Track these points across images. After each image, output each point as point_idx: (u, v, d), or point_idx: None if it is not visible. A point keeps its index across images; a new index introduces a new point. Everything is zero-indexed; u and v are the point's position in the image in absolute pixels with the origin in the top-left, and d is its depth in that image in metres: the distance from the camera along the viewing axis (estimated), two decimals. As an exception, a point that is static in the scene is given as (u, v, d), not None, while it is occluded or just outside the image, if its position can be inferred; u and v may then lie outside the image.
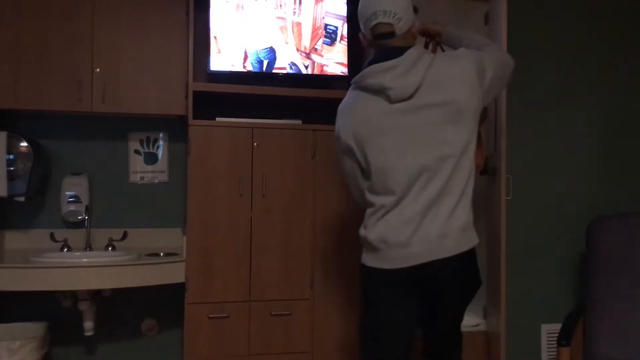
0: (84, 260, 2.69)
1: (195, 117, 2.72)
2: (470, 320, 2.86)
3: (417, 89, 1.81)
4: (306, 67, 2.88)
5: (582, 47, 3.38)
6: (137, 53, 2.79)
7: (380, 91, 1.84)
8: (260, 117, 2.82)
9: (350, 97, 1.99)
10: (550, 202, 3.33)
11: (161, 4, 2.81)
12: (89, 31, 2.73)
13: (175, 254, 2.76)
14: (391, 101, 1.83)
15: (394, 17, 1.84)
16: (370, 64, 1.89)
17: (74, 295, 2.74)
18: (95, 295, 2.78)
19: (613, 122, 3.42)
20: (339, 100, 2.89)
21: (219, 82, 2.78)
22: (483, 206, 2.94)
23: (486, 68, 1.87)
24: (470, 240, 1.87)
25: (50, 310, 2.88)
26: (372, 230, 1.89)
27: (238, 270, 2.69)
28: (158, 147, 3.08)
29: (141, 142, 3.07)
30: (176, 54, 2.81)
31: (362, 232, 1.95)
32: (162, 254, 2.79)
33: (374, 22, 1.87)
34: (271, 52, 2.85)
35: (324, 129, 2.79)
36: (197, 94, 2.72)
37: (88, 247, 2.90)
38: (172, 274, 2.64)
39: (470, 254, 1.89)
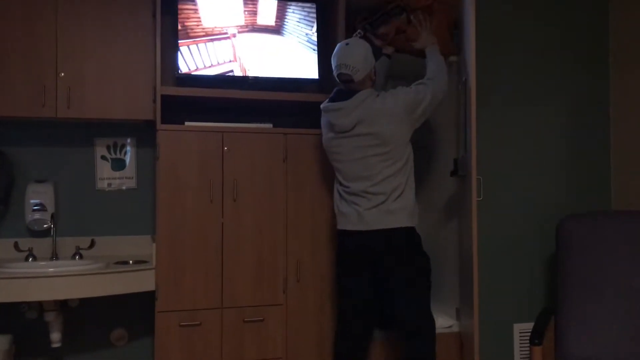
0: (50, 270, 2.61)
1: (163, 121, 2.67)
2: (443, 322, 2.86)
3: (355, 125, 2.48)
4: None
5: (547, 51, 3.44)
6: (103, 57, 2.73)
7: (331, 125, 2.54)
8: (230, 121, 2.79)
9: (323, 117, 2.64)
10: (520, 203, 3.38)
11: (127, 6, 2.75)
12: (52, 35, 2.67)
13: (144, 262, 2.70)
14: (335, 132, 2.54)
15: (352, 69, 2.48)
16: (330, 98, 2.58)
17: (39, 306, 2.67)
18: (62, 305, 2.70)
19: (578, 123, 3.49)
20: (310, 103, 2.90)
21: (187, 85, 2.75)
22: (454, 207, 2.95)
23: (419, 104, 2.50)
24: (393, 222, 2.48)
25: (14, 322, 2.80)
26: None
27: (209, 277, 2.65)
28: (125, 153, 3.03)
29: (108, 147, 3.00)
30: (143, 58, 2.76)
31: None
32: (131, 261, 2.73)
33: (337, 72, 2.52)
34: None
35: (295, 132, 2.77)
36: (165, 98, 2.67)
37: (54, 256, 2.82)
38: (141, 282, 2.58)
39: (400, 232, 2.49)
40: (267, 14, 2.87)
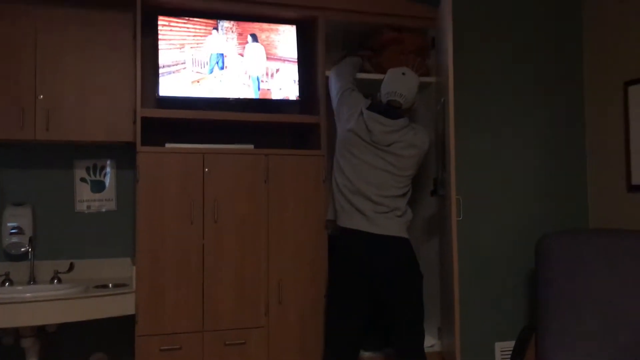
0: (27, 295, 2.56)
1: (144, 143, 2.66)
2: (425, 342, 2.86)
3: (391, 144, 2.62)
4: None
5: (524, 73, 3.51)
6: (83, 78, 2.72)
7: (368, 131, 2.63)
8: (211, 142, 2.79)
9: (356, 113, 2.68)
10: (499, 222, 3.41)
11: (107, 27, 2.75)
12: (31, 57, 2.65)
13: (124, 285, 2.67)
14: (370, 140, 2.63)
15: (404, 99, 2.66)
16: (374, 106, 2.67)
17: (16, 332, 2.61)
18: (40, 330, 2.65)
19: (555, 143, 3.55)
20: (291, 125, 2.92)
21: (168, 107, 2.74)
22: (434, 227, 2.98)
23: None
24: (401, 231, 2.64)
25: (-10, 349, 2.74)
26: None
27: (190, 299, 2.62)
28: (105, 175, 3.00)
29: (87, 169, 2.98)
30: (123, 79, 2.75)
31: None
32: (111, 285, 2.69)
33: (388, 98, 2.67)
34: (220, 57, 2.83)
35: (276, 153, 2.78)
36: (145, 120, 2.67)
37: (32, 280, 2.77)
38: (121, 305, 2.55)
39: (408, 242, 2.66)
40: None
